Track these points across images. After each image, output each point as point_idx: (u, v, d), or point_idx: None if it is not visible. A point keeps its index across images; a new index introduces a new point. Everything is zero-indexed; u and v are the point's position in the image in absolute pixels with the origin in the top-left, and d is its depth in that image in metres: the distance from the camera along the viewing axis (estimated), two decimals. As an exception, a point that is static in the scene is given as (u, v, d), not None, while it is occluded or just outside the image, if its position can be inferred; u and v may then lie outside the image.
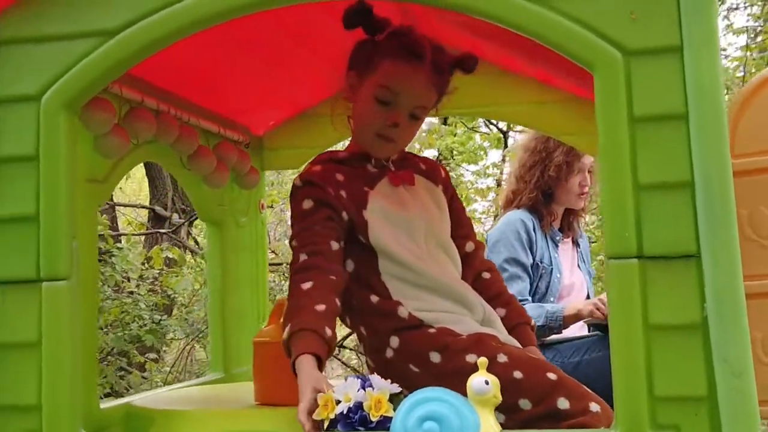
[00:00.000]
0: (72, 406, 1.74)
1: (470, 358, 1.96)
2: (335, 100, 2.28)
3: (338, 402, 1.65)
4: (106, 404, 2.25)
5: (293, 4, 1.81)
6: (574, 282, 3.49)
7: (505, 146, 6.73)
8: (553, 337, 3.23)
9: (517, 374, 1.93)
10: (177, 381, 6.54)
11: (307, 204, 2.09)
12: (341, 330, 7.75)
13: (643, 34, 1.52)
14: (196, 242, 7.94)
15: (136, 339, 5.92)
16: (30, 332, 1.73)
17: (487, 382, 1.61)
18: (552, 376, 1.95)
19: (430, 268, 2.11)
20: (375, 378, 1.70)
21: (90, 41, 1.75)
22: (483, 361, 1.64)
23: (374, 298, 2.08)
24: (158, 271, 6.36)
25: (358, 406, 1.65)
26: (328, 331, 1.85)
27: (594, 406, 1.89)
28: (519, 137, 6.93)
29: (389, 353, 2.05)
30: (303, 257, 2.00)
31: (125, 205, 8.54)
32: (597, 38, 1.53)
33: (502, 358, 1.95)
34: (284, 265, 6.96)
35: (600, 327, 3.20)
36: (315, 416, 1.68)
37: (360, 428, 1.63)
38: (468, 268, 2.29)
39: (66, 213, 1.76)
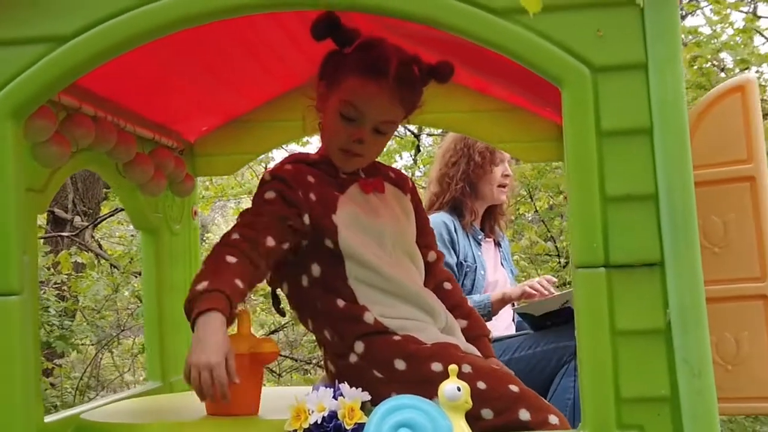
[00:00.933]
0: (26, 423, 1.71)
1: (435, 366, 2.00)
2: (308, 108, 2.29)
3: (312, 412, 1.67)
4: (51, 417, 2.20)
5: (254, 13, 1.81)
6: (498, 279, 3.57)
7: (418, 150, 6.81)
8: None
9: (481, 385, 1.97)
10: (87, 388, 6.40)
11: (270, 195, 2.10)
12: (256, 332, 7.73)
13: (610, 51, 1.59)
14: (100, 246, 7.76)
15: (44, 345, 5.76)
16: (-19, 349, 1.67)
17: (459, 389, 1.66)
18: (514, 388, 2.01)
19: (398, 274, 2.13)
20: (344, 387, 1.72)
21: (41, 47, 1.71)
22: (453, 368, 1.69)
23: (340, 303, 2.09)
24: (66, 276, 6.20)
25: (332, 415, 1.67)
26: (235, 310, 1.88)
27: (553, 419, 1.97)
28: (431, 140, 7.01)
29: (353, 358, 2.08)
30: (236, 236, 1.99)
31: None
32: (566, 54, 1.59)
33: (466, 368, 1.99)
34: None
35: (528, 318, 3.27)
36: (287, 427, 1.70)
37: None
38: (430, 277, 2.32)
39: (16, 226, 1.72)
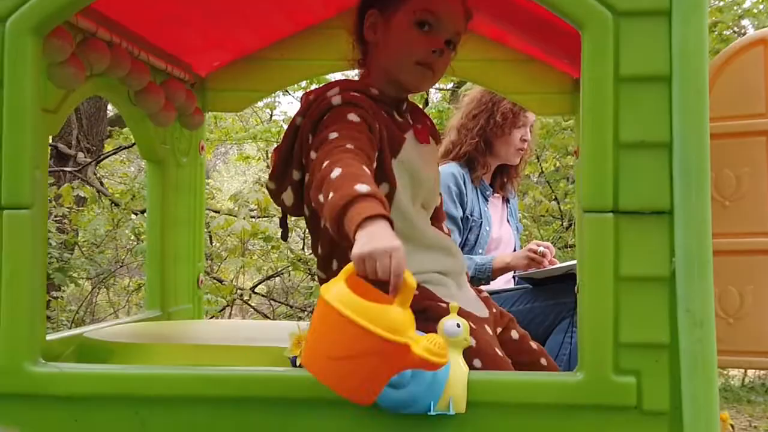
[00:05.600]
0: (31, 336, 1.75)
1: None
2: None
3: None
4: (51, 336, 2.22)
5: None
6: (502, 236, 3.57)
7: (426, 104, 6.78)
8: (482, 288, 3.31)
9: (477, 362, 1.90)
10: (82, 322, 6.44)
11: (354, 118, 1.90)
12: (252, 277, 7.75)
13: (634, -4, 1.57)
14: (102, 183, 7.77)
15: (42, 277, 5.80)
16: (-11, 260, 1.69)
17: (458, 325, 1.67)
18: None
19: (424, 225, 2.08)
20: None
21: (64, -39, 1.70)
22: (455, 305, 1.69)
23: None
24: (67, 209, 6.22)
25: None
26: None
27: None
28: (440, 96, 6.98)
29: None
30: (350, 146, 1.78)
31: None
32: (588, -4, 1.57)
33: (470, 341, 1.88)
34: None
35: (529, 280, 3.29)
36: (287, 354, 1.71)
37: None
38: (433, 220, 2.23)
39: (30, 141, 1.74)
